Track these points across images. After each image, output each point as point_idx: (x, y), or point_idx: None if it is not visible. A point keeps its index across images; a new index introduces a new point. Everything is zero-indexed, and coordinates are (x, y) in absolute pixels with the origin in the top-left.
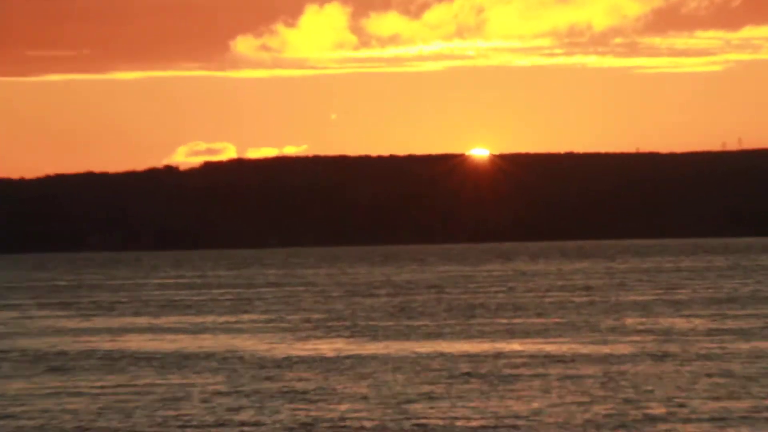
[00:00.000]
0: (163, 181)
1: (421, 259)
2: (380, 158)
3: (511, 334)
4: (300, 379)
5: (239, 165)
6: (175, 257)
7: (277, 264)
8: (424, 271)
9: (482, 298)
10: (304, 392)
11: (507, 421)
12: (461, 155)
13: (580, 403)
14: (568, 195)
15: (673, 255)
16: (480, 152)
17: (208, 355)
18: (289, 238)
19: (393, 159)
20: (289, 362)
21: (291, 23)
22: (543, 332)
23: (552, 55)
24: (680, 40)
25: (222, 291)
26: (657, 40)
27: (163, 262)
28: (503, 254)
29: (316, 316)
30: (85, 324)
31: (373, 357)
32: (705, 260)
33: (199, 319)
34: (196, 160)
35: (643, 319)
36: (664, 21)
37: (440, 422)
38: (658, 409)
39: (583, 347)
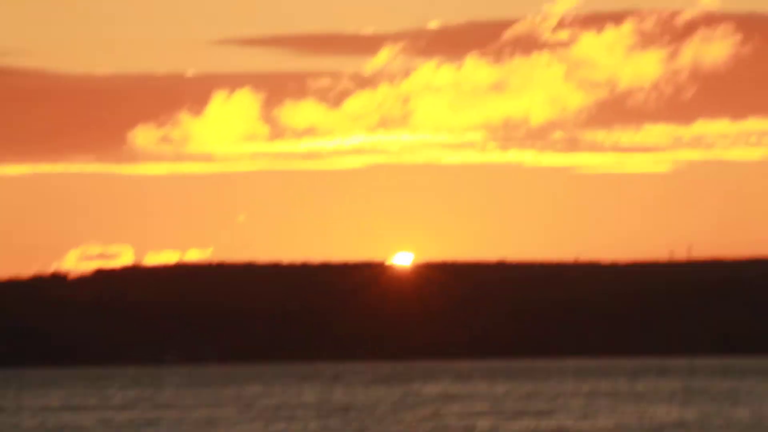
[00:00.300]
0: (50, 289)
1: (337, 378)
2: (292, 266)
3: None
4: None
5: (135, 272)
6: (60, 375)
7: (175, 383)
8: (337, 392)
9: (402, 426)
10: None
11: None
12: (382, 263)
13: None
14: (499, 308)
15: (611, 376)
16: (403, 260)
17: None
18: (189, 354)
19: (306, 267)
20: None
21: (196, 112)
22: None
23: (484, 150)
24: (626, 135)
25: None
26: (601, 135)
27: (47, 380)
28: (427, 373)
29: None
30: None
31: None
32: (650, 382)
33: None
34: (88, 266)
35: None
36: (608, 114)
37: None
38: None
39: None
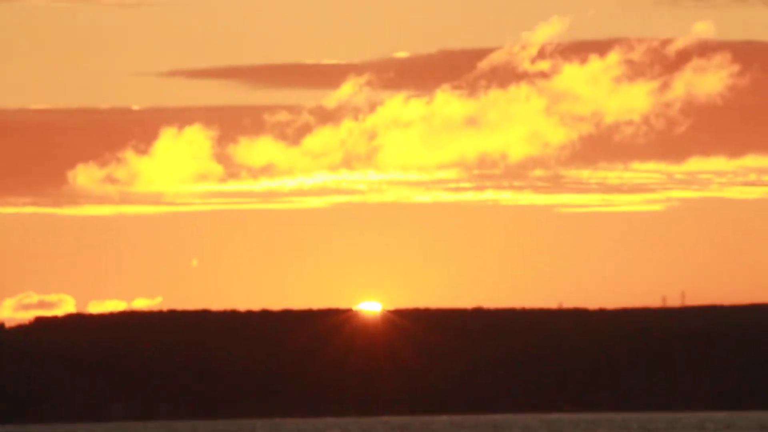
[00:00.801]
0: None
1: None
2: (250, 314)
3: None
4: None
5: (78, 321)
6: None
7: None
8: None
9: None
10: None
11: None
12: (348, 310)
13: None
14: (476, 359)
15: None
16: (371, 307)
17: None
18: (138, 409)
19: (266, 315)
20: None
21: (143, 150)
22: None
23: (458, 189)
24: (613, 174)
25: None
26: (585, 174)
27: None
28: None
29: None
30: None
31: None
32: None
33: None
34: (26, 316)
35: None
36: (593, 150)
37: None
38: None
39: None
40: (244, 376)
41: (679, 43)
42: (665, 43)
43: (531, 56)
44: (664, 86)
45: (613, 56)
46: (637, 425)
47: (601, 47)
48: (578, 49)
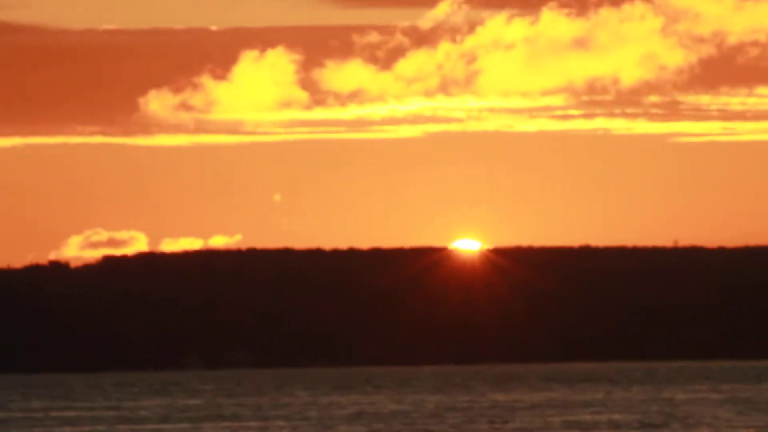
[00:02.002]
0: (48, 282)
1: (391, 386)
2: (336, 253)
3: None
4: None
5: (150, 261)
6: (61, 382)
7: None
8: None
9: None
10: None
11: None
12: (443, 249)
13: None
14: (583, 302)
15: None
16: (468, 245)
17: None
18: (215, 357)
19: (353, 254)
20: None
21: (221, 75)
22: None
23: (566, 117)
24: (736, 100)
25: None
26: (705, 99)
27: (43, 389)
28: (497, 379)
29: None
30: None
31: None
32: None
33: None
34: (93, 255)
35: None
36: (714, 74)
37: None
38: None
39: None
40: (330, 322)
41: None
42: None
43: None
44: None
45: None
46: (761, 372)
47: None
48: None
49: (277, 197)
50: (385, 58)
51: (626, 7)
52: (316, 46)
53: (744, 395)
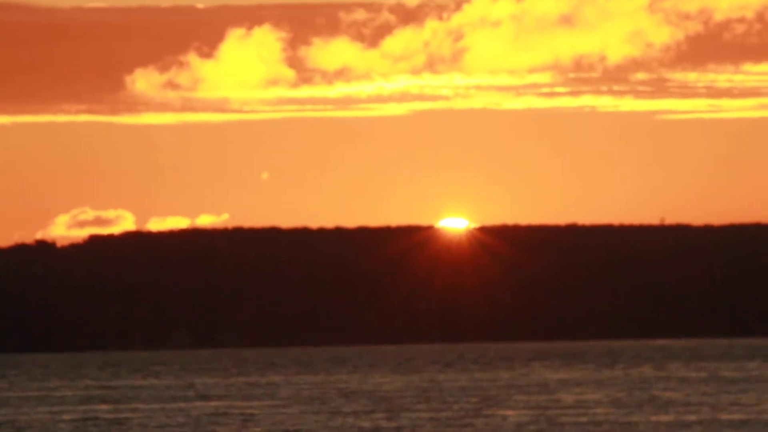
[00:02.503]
0: (35, 261)
1: (374, 364)
2: (323, 231)
3: None
4: None
5: (136, 240)
6: (46, 361)
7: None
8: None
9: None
10: None
11: None
12: (430, 228)
13: None
14: (569, 280)
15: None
16: (455, 223)
17: None
18: (200, 336)
19: (340, 232)
20: None
21: (207, 53)
22: None
23: (552, 95)
24: (723, 77)
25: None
26: (692, 77)
27: (36, 367)
28: (483, 359)
29: None
30: None
31: None
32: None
33: None
34: (80, 234)
35: None
36: (701, 51)
37: None
38: None
39: None
40: (316, 300)
41: None
42: None
43: None
44: None
45: None
46: (746, 350)
47: None
48: None
49: (265, 175)
50: (372, 36)
51: None
52: (303, 24)
53: (726, 374)
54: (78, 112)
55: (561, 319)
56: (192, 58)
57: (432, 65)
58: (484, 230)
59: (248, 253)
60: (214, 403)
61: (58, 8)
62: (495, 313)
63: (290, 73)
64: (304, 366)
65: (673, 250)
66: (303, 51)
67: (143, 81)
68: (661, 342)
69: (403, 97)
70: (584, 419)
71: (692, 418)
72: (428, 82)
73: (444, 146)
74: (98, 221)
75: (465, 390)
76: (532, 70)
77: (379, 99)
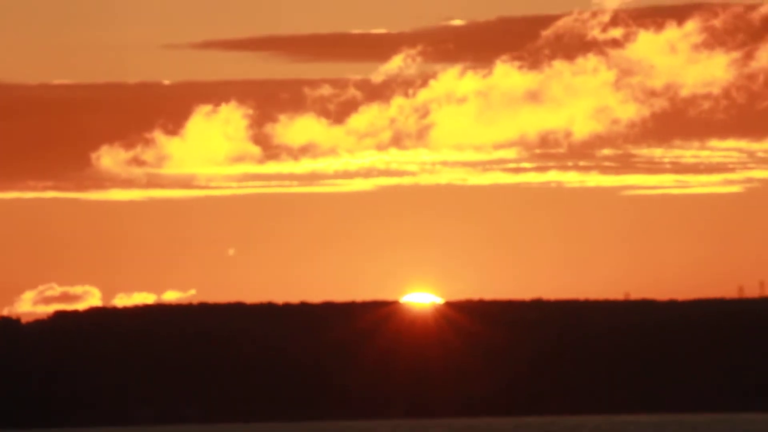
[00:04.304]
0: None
1: None
2: (288, 307)
3: None
4: None
5: (101, 316)
6: None
7: None
8: None
9: None
10: None
11: None
12: (395, 303)
13: None
14: (535, 355)
15: None
16: (421, 299)
17: None
18: (167, 412)
19: (306, 308)
20: None
21: (172, 130)
22: None
23: (518, 170)
24: (689, 153)
25: None
26: (658, 152)
27: None
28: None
29: None
30: None
31: None
32: None
33: None
34: (46, 310)
35: None
36: (667, 127)
37: None
38: None
39: None
40: (281, 376)
41: (765, 9)
42: (750, 8)
43: (602, 23)
44: (747, 57)
45: (692, 23)
46: (709, 427)
47: (679, 13)
48: (653, 15)
49: (232, 251)
50: (338, 113)
51: (579, 60)
52: (268, 100)
53: None
54: (44, 188)
55: (527, 394)
56: (158, 135)
57: (398, 141)
58: (449, 305)
59: (213, 329)
60: None
61: (24, 85)
62: (459, 387)
63: (256, 150)
64: None
65: (638, 325)
66: (269, 128)
67: (109, 158)
68: (628, 418)
69: (369, 173)
70: None
71: None
72: (394, 157)
73: (410, 221)
74: (65, 297)
75: None
76: (498, 146)
77: (346, 174)
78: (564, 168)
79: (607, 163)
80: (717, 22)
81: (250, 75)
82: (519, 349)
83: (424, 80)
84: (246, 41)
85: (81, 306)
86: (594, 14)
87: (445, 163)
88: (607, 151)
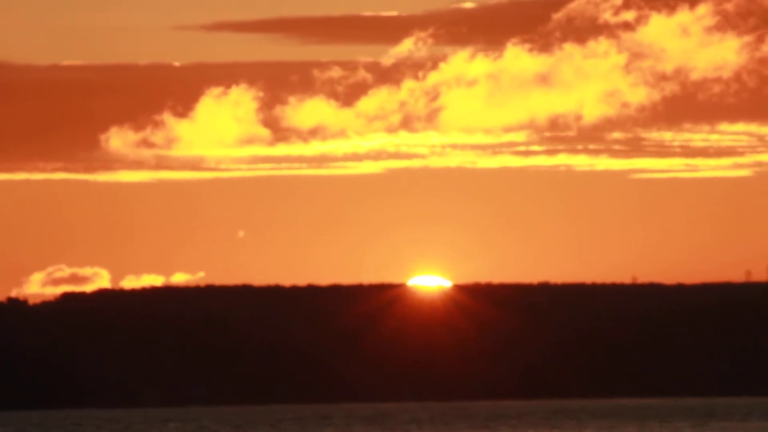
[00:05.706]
0: (8, 319)
1: (349, 422)
2: (295, 289)
3: None
4: None
5: (109, 298)
6: (14, 419)
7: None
8: None
9: None
10: None
11: None
12: (402, 285)
13: None
14: (543, 338)
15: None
16: (429, 282)
17: None
18: (173, 394)
19: (313, 290)
20: None
21: (182, 112)
22: None
23: (528, 153)
24: (698, 136)
25: None
26: (667, 136)
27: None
28: (464, 416)
29: None
30: None
31: None
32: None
33: None
34: (54, 292)
35: None
36: (677, 111)
37: None
38: None
39: None
40: (288, 359)
41: None
42: None
43: (615, 6)
44: (758, 41)
45: (704, 7)
46: (720, 411)
47: None
48: None
49: (241, 233)
50: (347, 96)
51: (590, 43)
52: (278, 82)
53: None
54: (53, 170)
55: (534, 377)
56: (167, 117)
57: (408, 124)
58: (457, 288)
59: (222, 311)
60: None
61: (34, 66)
62: (467, 370)
63: (265, 132)
64: (276, 424)
65: (646, 309)
66: (278, 110)
67: (118, 139)
68: (634, 401)
69: (378, 156)
70: None
71: None
72: (404, 140)
73: (419, 204)
74: (74, 279)
75: None
76: (508, 129)
77: (355, 157)
78: (574, 151)
79: (616, 147)
80: (729, 6)
81: (260, 57)
82: (528, 332)
83: (435, 63)
84: (256, 23)
85: (90, 288)
86: None
87: (454, 146)
88: (616, 135)
